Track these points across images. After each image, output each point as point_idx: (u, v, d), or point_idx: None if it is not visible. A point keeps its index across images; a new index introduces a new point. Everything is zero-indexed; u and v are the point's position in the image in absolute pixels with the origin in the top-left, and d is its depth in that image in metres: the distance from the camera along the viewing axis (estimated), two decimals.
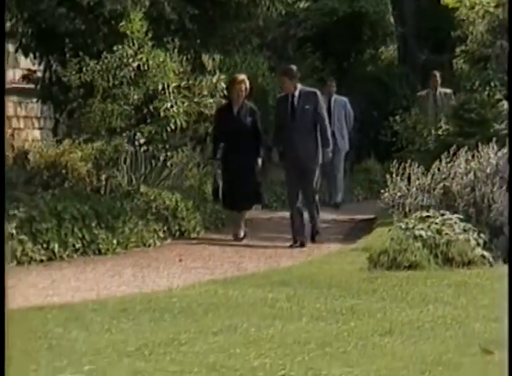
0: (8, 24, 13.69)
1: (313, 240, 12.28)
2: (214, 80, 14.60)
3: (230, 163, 12.50)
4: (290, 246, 11.98)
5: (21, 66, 16.11)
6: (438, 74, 17.19)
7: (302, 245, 12.00)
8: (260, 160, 12.56)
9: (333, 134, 17.04)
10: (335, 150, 17.06)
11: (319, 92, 12.39)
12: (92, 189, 12.42)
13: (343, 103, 17.35)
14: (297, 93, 12.04)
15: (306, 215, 12.26)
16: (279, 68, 13.16)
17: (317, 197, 12.30)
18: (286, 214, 12.60)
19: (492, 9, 13.99)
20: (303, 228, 12.21)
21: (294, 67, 12.37)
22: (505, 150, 11.33)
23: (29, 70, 15.64)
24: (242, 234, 12.63)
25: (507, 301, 5.64)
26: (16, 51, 14.74)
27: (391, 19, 22.50)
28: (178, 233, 12.71)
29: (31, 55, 14.53)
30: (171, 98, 13.31)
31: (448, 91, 16.97)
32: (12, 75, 16.42)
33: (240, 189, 12.43)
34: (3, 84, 7.62)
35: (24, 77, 15.85)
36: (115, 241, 11.42)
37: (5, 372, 4.38)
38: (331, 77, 18.32)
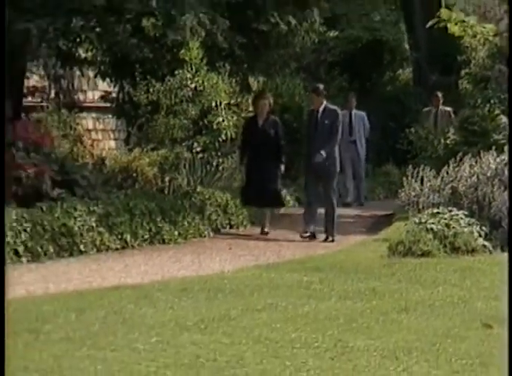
0: (89, 54, 13.79)
1: (326, 232, 11.71)
2: None
3: (254, 168, 12.13)
4: (324, 239, 11.71)
5: (99, 88, 16.21)
6: (440, 94, 16.91)
7: (314, 236, 11.69)
8: (283, 167, 12.19)
9: (354, 143, 16.62)
10: (357, 158, 16.63)
11: (339, 110, 12.13)
12: (158, 189, 12.44)
13: (362, 116, 16.90)
14: (321, 109, 11.80)
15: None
16: (310, 86, 12.90)
17: (335, 198, 11.88)
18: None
19: (491, 38, 13.81)
20: (315, 220, 11.79)
21: (322, 86, 12.13)
22: (503, 157, 11.25)
23: (106, 91, 15.78)
24: (266, 230, 12.23)
25: (507, 286, 5.58)
26: (96, 76, 14.86)
27: (407, 46, 22.34)
28: (228, 227, 12.68)
29: (108, 79, 14.65)
30: (223, 113, 13.30)
31: (448, 109, 16.68)
32: (92, 96, 16.54)
33: (261, 190, 12.05)
34: (3, 84, 7.44)
35: (102, 98, 16.01)
36: (176, 233, 11.41)
37: (5, 372, 4.29)
38: (352, 93, 17.79)
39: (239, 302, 7.03)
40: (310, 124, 11.96)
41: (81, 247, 10.15)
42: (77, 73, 15.42)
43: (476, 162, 11.18)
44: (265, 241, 11.69)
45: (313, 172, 11.74)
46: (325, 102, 11.91)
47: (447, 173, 11.20)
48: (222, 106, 13.34)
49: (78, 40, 12.79)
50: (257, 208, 12.52)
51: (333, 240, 11.63)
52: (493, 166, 10.98)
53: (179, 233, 11.46)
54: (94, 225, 10.32)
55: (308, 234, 11.74)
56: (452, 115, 16.33)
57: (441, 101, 16.72)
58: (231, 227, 12.74)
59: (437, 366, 5.30)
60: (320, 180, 11.75)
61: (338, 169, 12.00)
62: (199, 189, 12.65)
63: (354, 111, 16.78)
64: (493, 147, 11.93)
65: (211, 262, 9.75)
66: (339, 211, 12.22)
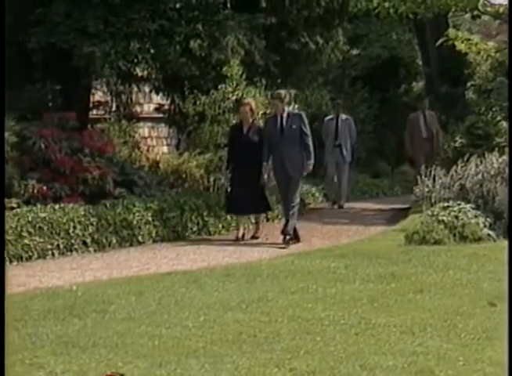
0: (145, 72, 13.86)
1: (283, 240, 10.23)
2: (291, 108, 14.52)
3: (239, 173, 10.66)
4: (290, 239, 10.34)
5: (154, 101, 16.28)
6: (426, 99, 15.68)
7: (298, 239, 10.40)
8: (266, 176, 10.65)
9: (339, 146, 14.85)
10: (341, 161, 14.92)
11: (303, 114, 10.54)
12: (204, 188, 12.43)
13: (348, 121, 14.96)
14: (285, 114, 10.32)
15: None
16: (274, 93, 11.00)
17: (297, 206, 10.43)
18: (345, 205, 12.09)
19: (492, 54, 13.66)
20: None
21: (283, 92, 11.01)
22: (504, 157, 11.15)
23: (159, 104, 15.85)
24: (247, 236, 10.88)
25: (507, 272, 5.49)
26: (151, 91, 14.93)
27: (420, 62, 22.19)
28: (265, 220, 12.62)
29: (161, 93, 14.70)
30: (260, 122, 13.27)
31: (432, 113, 15.23)
32: (148, 108, 16.61)
33: (244, 197, 10.60)
34: (3, 84, 7.34)
35: (156, 109, 16.08)
36: (220, 225, 11.40)
37: (5, 371, 4.16)
38: (338, 100, 16.53)
39: (275, 286, 7.03)
40: (273, 130, 10.35)
41: (140, 238, 10.23)
42: (135, 89, 15.51)
43: (481, 162, 11.07)
44: None
45: (283, 175, 10.32)
46: (286, 108, 10.66)
47: (456, 172, 11.10)
48: (259, 115, 13.31)
49: (136, 60, 12.85)
50: (241, 216, 10.99)
51: (288, 242, 10.18)
52: (496, 165, 10.87)
53: (223, 226, 11.46)
54: (150, 219, 10.38)
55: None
56: (436, 118, 15.24)
57: (427, 105, 15.21)
58: (267, 220, 12.68)
59: (448, 340, 5.25)
60: (288, 180, 10.32)
61: (304, 174, 10.45)
62: None
63: (341, 116, 15.14)
64: (496, 149, 11.87)
65: (251, 250, 9.74)
66: (351, 205, 11.80)
